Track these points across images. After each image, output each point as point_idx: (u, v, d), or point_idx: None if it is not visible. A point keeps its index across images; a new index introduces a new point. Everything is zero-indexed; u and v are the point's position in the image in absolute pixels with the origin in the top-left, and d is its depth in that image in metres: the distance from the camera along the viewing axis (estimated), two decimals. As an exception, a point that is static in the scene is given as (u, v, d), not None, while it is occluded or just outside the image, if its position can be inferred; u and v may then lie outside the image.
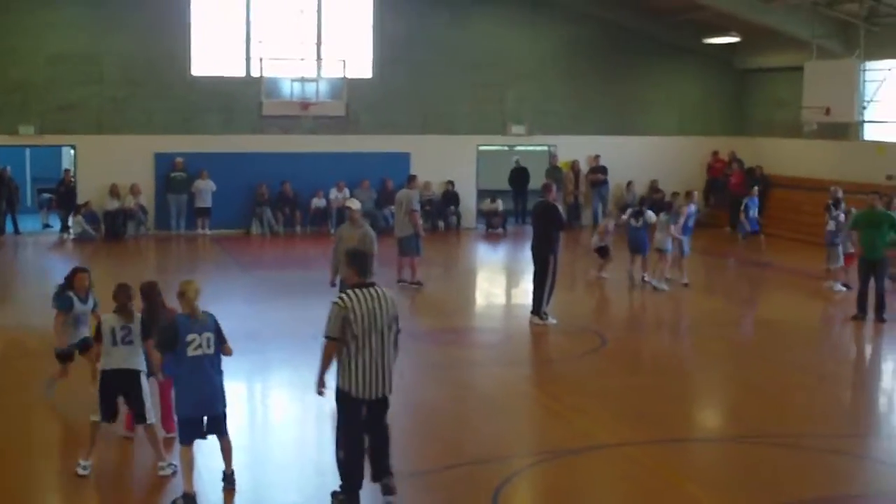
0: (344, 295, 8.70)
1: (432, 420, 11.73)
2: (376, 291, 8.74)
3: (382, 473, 8.97)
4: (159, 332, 9.23)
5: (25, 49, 26.24)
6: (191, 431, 9.00)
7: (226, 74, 27.41)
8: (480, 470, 9.87)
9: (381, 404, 8.93)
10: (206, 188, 26.79)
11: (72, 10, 26.53)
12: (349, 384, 8.69)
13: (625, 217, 20.41)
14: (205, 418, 9.02)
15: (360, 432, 8.90)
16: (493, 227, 28.87)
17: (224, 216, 26.89)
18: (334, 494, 8.88)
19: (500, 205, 29.22)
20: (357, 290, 8.68)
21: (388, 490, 8.91)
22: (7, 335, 15.58)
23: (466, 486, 9.51)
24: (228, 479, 9.23)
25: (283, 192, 27.37)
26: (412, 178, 20.36)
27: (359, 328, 8.56)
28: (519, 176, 30.04)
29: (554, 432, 11.34)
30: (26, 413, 11.47)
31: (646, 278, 19.69)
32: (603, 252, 20.50)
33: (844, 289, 18.96)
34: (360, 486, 8.83)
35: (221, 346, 9.09)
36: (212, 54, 27.48)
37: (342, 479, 8.85)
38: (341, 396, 8.82)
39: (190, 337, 8.84)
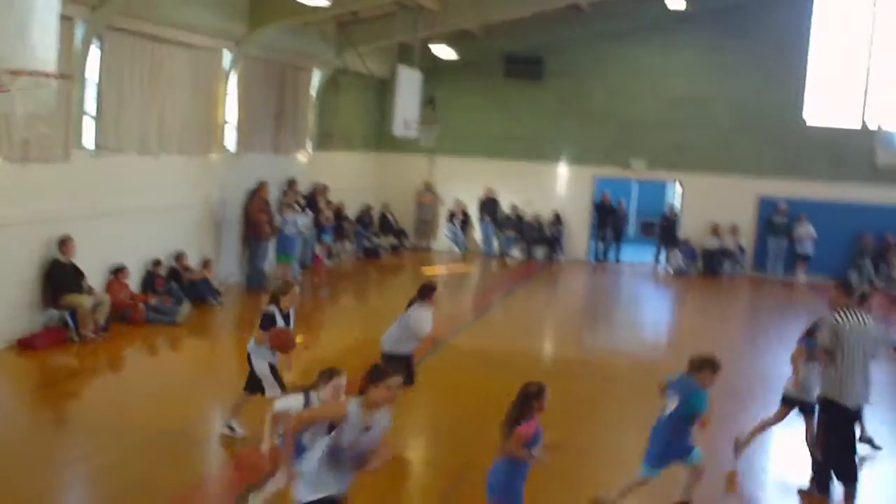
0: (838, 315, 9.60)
1: None
2: (864, 316, 9.63)
3: None
4: None
5: (646, 91, 27.69)
6: None
7: (839, 125, 26.84)
8: None
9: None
10: (806, 234, 26.37)
11: (691, 55, 27.51)
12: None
13: None
14: None
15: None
16: None
17: (822, 263, 26.21)
18: None
19: None
20: (848, 311, 9.58)
21: None
22: (596, 358, 16.49)
23: None
24: None
25: (885, 244, 26.14)
26: None
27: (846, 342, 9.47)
28: None
29: None
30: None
31: None
32: None
33: None
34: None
35: None
36: (825, 103, 27.05)
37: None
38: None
39: None
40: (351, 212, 26.60)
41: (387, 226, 28.17)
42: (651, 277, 27.00)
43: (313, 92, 23.84)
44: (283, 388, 10.02)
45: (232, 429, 10.38)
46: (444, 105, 27.02)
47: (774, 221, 26.74)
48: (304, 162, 23.74)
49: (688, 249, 27.31)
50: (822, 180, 26.62)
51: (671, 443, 8.62)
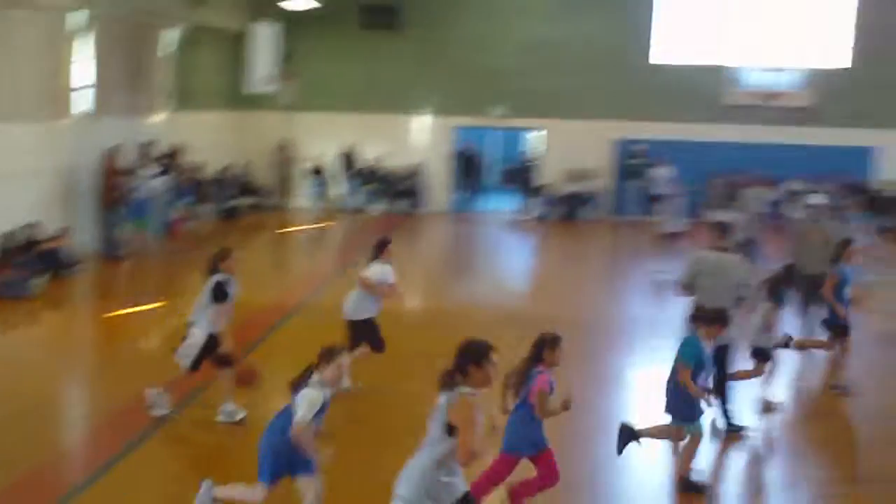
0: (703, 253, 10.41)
1: None
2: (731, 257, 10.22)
3: None
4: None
5: (503, 37, 27.92)
6: None
7: (687, 62, 27.55)
8: None
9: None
10: (661, 175, 27.03)
11: (539, -2, 27.89)
12: None
13: None
14: None
15: None
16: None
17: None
18: None
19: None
20: (715, 251, 10.23)
21: None
22: (460, 308, 16.79)
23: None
24: None
25: (734, 182, 26.97)
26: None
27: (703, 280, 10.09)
28: None
29: None
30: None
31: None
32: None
33: None
34: None
35: None
36: (673, 42, 27.75)
37: None
38: None
39: None
40: (210, 172, 26.26)
41: (246, 185, 27.89)
42: (511, 226, 27.38)
43: (169, 50, 23.40)
44: (198, 367, 9.87)
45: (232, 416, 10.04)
46: (303, 59, 26.85)
47: (630, 164, 27.37)
48: (163, 123, 23.32)
49: (547, 196, 27.81)
50: (672, 121, 27.32)
51: (681, 396, 8.44)
